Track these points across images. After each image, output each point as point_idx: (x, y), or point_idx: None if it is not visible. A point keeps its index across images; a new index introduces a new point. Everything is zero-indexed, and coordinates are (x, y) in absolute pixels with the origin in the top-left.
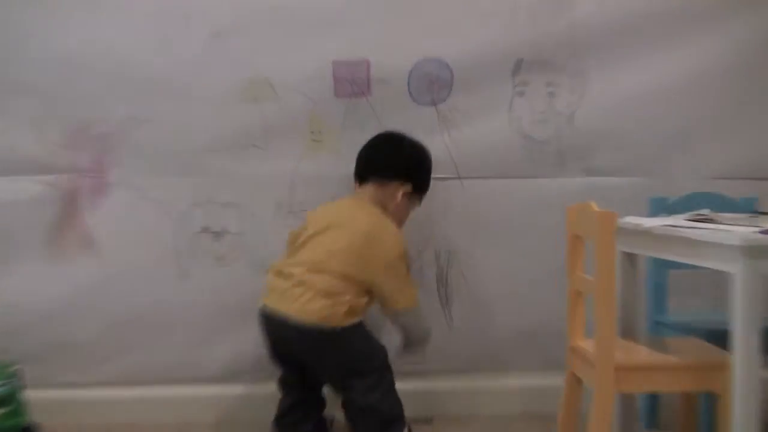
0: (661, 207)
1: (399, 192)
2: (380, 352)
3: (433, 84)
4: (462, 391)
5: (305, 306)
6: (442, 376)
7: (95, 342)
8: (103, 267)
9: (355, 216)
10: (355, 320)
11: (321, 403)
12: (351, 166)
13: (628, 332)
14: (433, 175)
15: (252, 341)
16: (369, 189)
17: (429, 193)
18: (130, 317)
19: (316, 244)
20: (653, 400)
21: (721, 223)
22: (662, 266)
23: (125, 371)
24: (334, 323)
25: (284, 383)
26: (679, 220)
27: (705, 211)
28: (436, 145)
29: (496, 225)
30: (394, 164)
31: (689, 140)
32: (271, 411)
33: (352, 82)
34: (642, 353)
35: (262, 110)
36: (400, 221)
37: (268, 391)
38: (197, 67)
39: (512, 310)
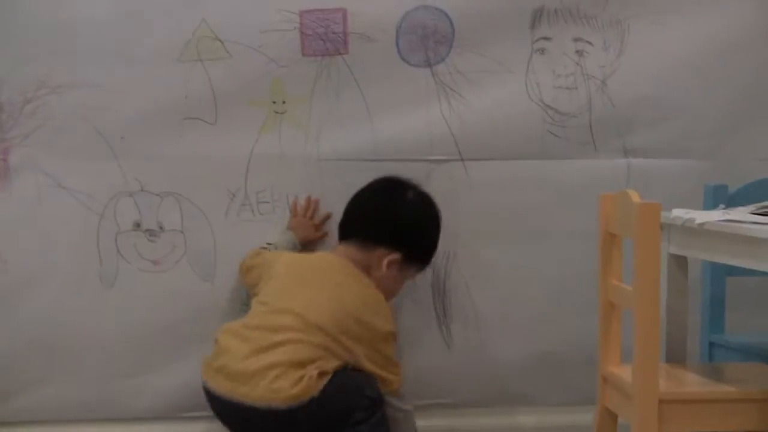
0: (719, 197)
1: (384, 261)
2: (366, 394)
3: (428, 39)
4: (463, 428)
5: (271, 386)
6: (439, 412)
7: None
8: (5, 276)
9: (339, 281)
10: (329, 377)
11: None
12: (323, 145)
13: (675, 356)
14: (430, 157)
15: (197, 367)
16: (350, 250)
17: (423, 180)
18: (40, 339)
19: (290, 299)
20: None
21: None
22: (720, 273)
23: (34, 407)
24: (310, 393)
25: None
26: (742, 213)
27: None
28: (432, 117)
29: (508, 219)
30: (379, 226)
31: (756, 113)
32: None
33: (325, 38)
34: (693, 383)
35: (209, 73)
36: (387, 294)
37: (217, 430)
38: (122, 16)
39: (529, 328)
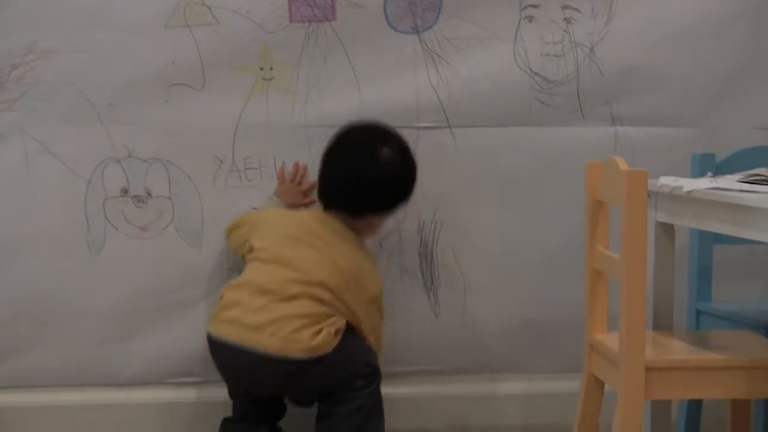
0: (707, 165)
1: (373, 226)
2: (368, 362)
3: (415, 6)
4: (452, 398)
5: (292, 336)
6: (427, 380)
7: None
8: None
9: (330, 240)
10: (341, 336)
11: (281, 409)
12: (311, 111)
13: (662, 324)
14: (417, 124)
15: (184, 333)
16: (337, 216)
17: (411, 146)
18: (28, 305)
19: (289, 258)
20: (694, 408)
21: None
22: (707, 241)
23: (23, 373)
24: (326, 349)
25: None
26: (730, 181)
27: (763, 170)
28: (419, 84)
29: (495, 187)
30: (363, 199)
31: (744, 82)
32: (210, 420)
33: (313, 4)
34: (680, 350)
35: (197, 39)
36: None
37: (205, 396)
38: None
39: (516, 295)
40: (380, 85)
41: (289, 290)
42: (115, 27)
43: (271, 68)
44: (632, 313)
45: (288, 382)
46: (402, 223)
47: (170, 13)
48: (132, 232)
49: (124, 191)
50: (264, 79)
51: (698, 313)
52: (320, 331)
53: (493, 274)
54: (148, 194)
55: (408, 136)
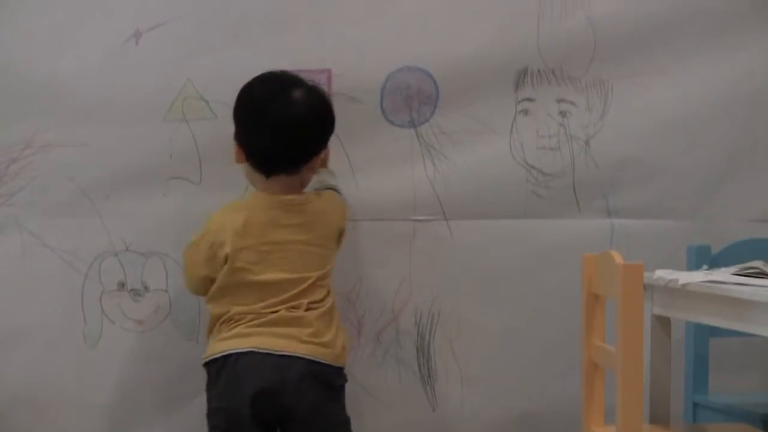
0: (702, 257)
1: (315, 162)
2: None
3: (412, 100)
4: None
5: (314, 339)
6: None
7: None
8: None
9: (311, 218)
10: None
11: None
12: None
13: (659, 417)
14: (414, 217)
15: (181, 426)
16: (281, 184)
17: (408, 239)
18: (26, 395)
19: (288, 268)
20: None
21: None
22: (703, 333)
23: None
24: (341, 361)
25: None
26: (725, 274)
27: (759, 263)
28: (416, 177)
29: (492, 279)
30: (303, 152)
31: (739, 174)
32: None
33: None
34: None
35: (194, 132)
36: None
37: None
38: (110, 77)
39: (513, 388)
40: (376, 178)
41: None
42: (113, 120)
43: None
44: (629, 406)
45: (307, 391)
46: (399, 315)
47: (168, 106)
48: (129, 326)
49: (121, 285)
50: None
51: (695, 405)
52: (335, 335)
53: (490, 367)
54: (145, 288)
55: (405, 228)
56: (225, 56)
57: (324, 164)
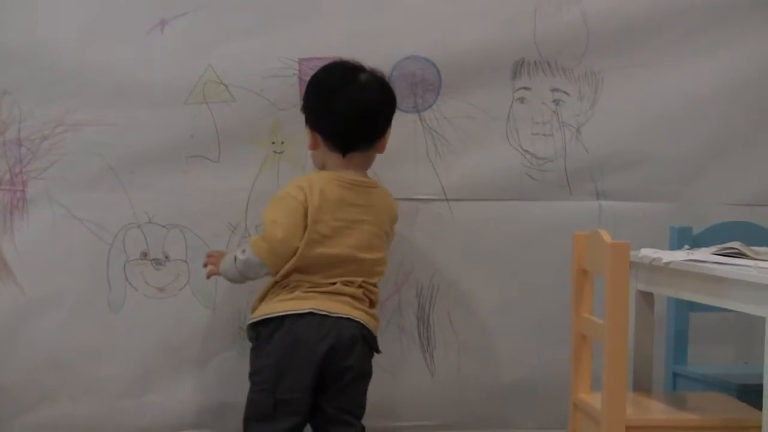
0: (684, 238)
1: (385, 139)
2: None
3: (416, 87)
4: None
5: (365, 308)
6: None
7: (12, 388)
8: (22, 299)
9: (378, 207)
10: None
11: None
12: None
13: (642, 385)
14: (416, 197)
15: (198, 387)
16: (357, 160)
17: (411, 217)
18: (54, 358)
19: (353, 245)
20: None
21: (754, 259)
22: (684, 308)
23: (52, 417)
24: (377, 333)
25: None
26: (705, 254)
27: (735, 244)
28: (419, 159)
29: (488, 255)
30: (382, 121)
31: (721, 160)
32: None
33: None
34: (658, 410)
35: (214, 115)
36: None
37: None
38: (137, 62)
39: (507, 356)
40: (383, 160)
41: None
42: (138, 102)
43: (282, 142)
44: (614, 374)
45: (353, 352)
46: (401, 287)
47: (190, 90)
48: (150, 293)
49: (144, 255)
50: (275, 152)
51: (675, 375)
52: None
53: (485, 336)
54: (166, 258)
55: (408, 207)
56: (243, 44)
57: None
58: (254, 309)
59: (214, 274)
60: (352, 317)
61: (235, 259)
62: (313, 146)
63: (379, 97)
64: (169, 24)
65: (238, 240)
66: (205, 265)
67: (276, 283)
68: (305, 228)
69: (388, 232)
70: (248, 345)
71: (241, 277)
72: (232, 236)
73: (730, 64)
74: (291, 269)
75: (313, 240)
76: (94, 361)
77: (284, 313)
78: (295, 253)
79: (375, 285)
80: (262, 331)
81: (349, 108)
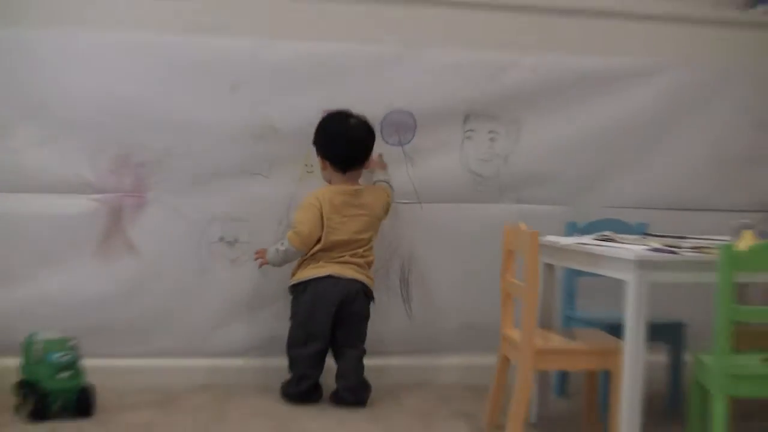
0: (573, 229)
1: (371, 157)
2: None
3: (400, 129)
4: (416, 366)
5: (365, 272)
6: (402, 355)
7: (135, 323)
8: (141, 266)
9: (370, 203)
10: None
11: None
12: None
13: (546, 324)
14: (399, 201)
15: (260, 324)
16: (353, 174)
17: (394, 214)
18: (163, 305)
19: (353, 232)
20: (563, 375)
21: (619, 242)
22: (573, 275)
23: (161, 345)
24: (372, 287)
25: (316, 360)
26: (587, 239)
27: (607, 233)
28: (402, 177)
29: (448, 240)
30: (370, 146)
31: (597, 177)
32: (274, 379)
33: None
34: (556, 340)
35: (267, 146)
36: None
37: (270, 363)
38: (217, 112)
39: (458, 306)
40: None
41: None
42: (220, 138)
43: (312, 165)
44: (528, 317)
45: (357, 299)
46: (390, 261)
47: (253, 129)
48: (225, 264)
49: (221, 238)
50: (307, 172)
51: (567, 318)
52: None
53: (446, 294)
54: (236, 240)
55: (394, 208)
56: (286, 100)
57: (383, 167)
58: (293, 275)
59: (264, 264)
60: (356, 279)
61: (277, 251)
62: (324, 168)
63: (364, 134)
64: (239, 86)
65: (282, 230)
66: (256, 259)
67: (305, 259)
68: (323, 224)
69: (382, 215)
70: (288, 298)
71: (283, 261)
72: (278, 227)
73: (605, 115)
74: (316, 250)
75: (328, 231)
76: (189, 308)
77: (312, 278)
78: (318, 241)
79: (370, 250)
80: (298, 289)
81: (346, 143)
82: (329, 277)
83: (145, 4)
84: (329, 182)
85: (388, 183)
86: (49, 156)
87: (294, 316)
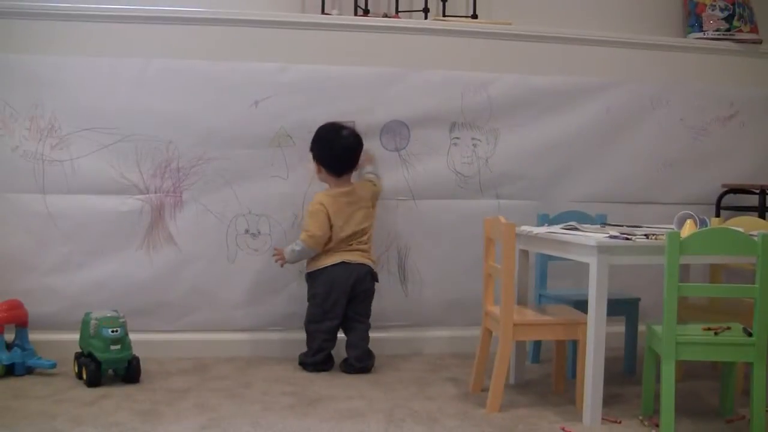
0: (544, 220)
1: (359, 162)
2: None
3: (396, 136)
4: (411, 338)
5: (370, 257)
6: (399, 328)
7: (175, 303)
8: (180, 255)
9: (363, 196)
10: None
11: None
12: None
13: (522, 301)
14: (396, 198)
15: (278, 303)
16: (345, 176)
17: (392, 209)
18: (197, 287)
19: (355, 224)
20: (537, 344)
21: (582, 231)
22: (545, 259)
23: (196, 321)
24: (375, 268)
25: (331, 334)
26: (555, 228)
27: (573, 223)
28: (398, 177)
29: (437, 231)
30: (358, 154)
31: (564, 176)
32: (292, 351)
33: None
34: (531, 315)
35: (284, 153)
36: None
37: (290, 337)
38: (242, 124)
39: (447, 285)
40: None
41: (362, 244)
42: (243, 146)
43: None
44: (507, 295)
45: (368, 277)
46: (389, 249)
47: (271, 139)
48: (250, 252)
49: (246, 231)
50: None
51: (540, 296)
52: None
53: (437, 276)
54: (258, 232)
55: (391, 204)
56: (300, 113)
57: (370, 159)
58: (308, 264)
59: (284, 263)
60: (363, 263)
61: (293, 251)
62: (318, 172)
63: (354, 143)
64: (259, 102)
65: (298, 223)
66: (276, 260)
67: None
68: (330, 225)
69: (371, 204)
70: (302, 282)
71: (299, 260)
72: (295, 220)
73: (568, 124)
74: (329, 247)
75: (337, 229)
76: (218, 289)
77: (328, 265)
78: (329, 239)
79: (370, 238)
80: (315, 275)
81: (339, 150)
82: (342, 263)
83: (182, 35)
84: (325, 182)
85: (375, 174)
86: (102, 163)
87: (312, 298)
